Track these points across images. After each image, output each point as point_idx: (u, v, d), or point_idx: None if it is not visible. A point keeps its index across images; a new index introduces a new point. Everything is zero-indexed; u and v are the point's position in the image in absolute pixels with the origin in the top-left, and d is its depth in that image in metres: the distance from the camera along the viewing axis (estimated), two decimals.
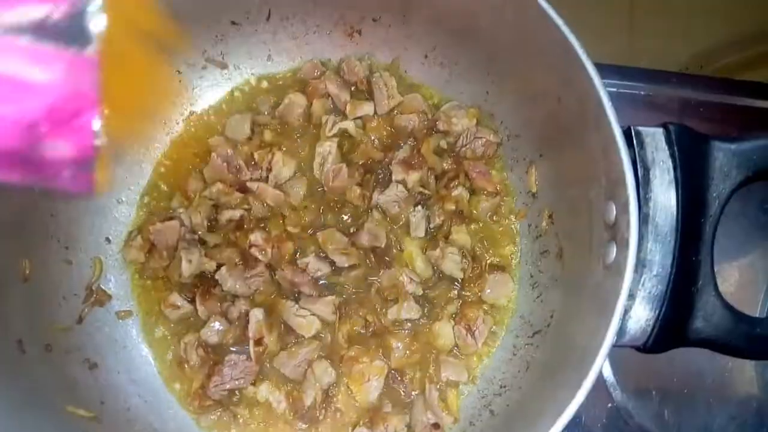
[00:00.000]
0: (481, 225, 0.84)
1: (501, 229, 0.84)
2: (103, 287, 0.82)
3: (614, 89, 0.98)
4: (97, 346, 0.79)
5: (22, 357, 0.68)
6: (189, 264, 0.80)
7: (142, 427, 0.76)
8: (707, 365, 0.88)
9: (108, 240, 0.84)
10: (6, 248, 0.71)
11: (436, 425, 0.74)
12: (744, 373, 0.89)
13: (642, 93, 0.99)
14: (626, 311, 0.57)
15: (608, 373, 0.89)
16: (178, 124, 0.89)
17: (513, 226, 0.84)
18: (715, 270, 0.90)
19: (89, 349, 0.78)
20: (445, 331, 0.80)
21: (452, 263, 0.81)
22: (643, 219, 0.57)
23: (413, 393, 0.79)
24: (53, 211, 0.78)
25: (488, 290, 0.81)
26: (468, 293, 0.82)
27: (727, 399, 0.88)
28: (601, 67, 0.96)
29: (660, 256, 0.57)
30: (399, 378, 0.79)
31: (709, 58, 1.13)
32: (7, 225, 0.71)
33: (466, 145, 0.85)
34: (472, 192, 0.84)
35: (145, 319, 0.82)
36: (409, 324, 0.80)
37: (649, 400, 0.88)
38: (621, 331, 0.57)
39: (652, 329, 0.57)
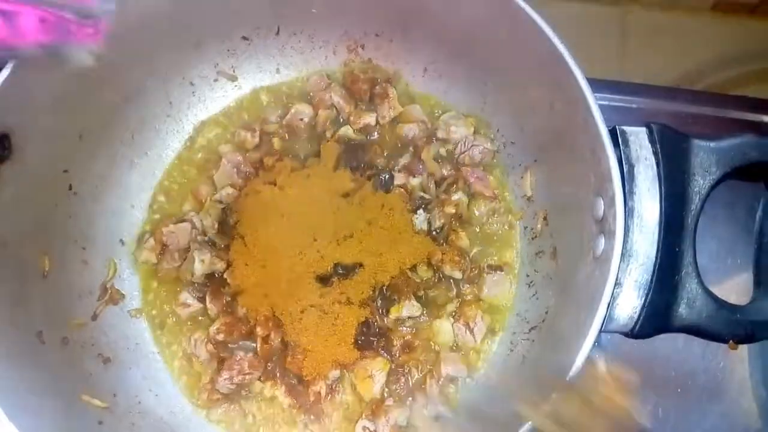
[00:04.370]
0: (479, 228, 0.88)
1: (498, 231, 0.87)
2: (116, 286, 0.85)
3: (606, 102, 1.02)
4: (110, 342, 0.82)
5: (42, 347, 0.72)
6: (201, 264, 0.83)
7: (153, 419, 0.79)
8: (700, 364, 0.91)
9: (122, 242, 0.88)
10: (28, 246, 0.75)
11: (436, 418, 0.77)
12: (735, 372, 0.91)
13: (634, 106, 1.04)
14: (614, 299, 0.61)
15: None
16: (189, 133, 0.93)
17: (510, 229, 0.87)
18: (708, 273, 0.94)
19: (103, 345, 0.81)
20: (444, 329, 0.83)
21: (452, 264, 0.84)
22: (629, 212, 0.61)
23: (415, 388, 0.81)
24: (71, 213, 0.82)
25: (486, 290, 0.85)
26: (467, 293, 0.85)
27: (719, 397, 0.90)
28: (594, 82, 1.01)
29: (645, 246, 0.61)
30: (401, 373, 0.82)
31: (698, 75, 1.17)
32: (29, 224, 0.75)
33: (464, 152, 0.89)
34: (471, 197, 0.88)
35: (155, 318, 0.86)
36: (410, 322, 0.83)
37: (644, 400, 0.90)
38: (609, 317, 0.61)
39: (639, 316, 0.61)
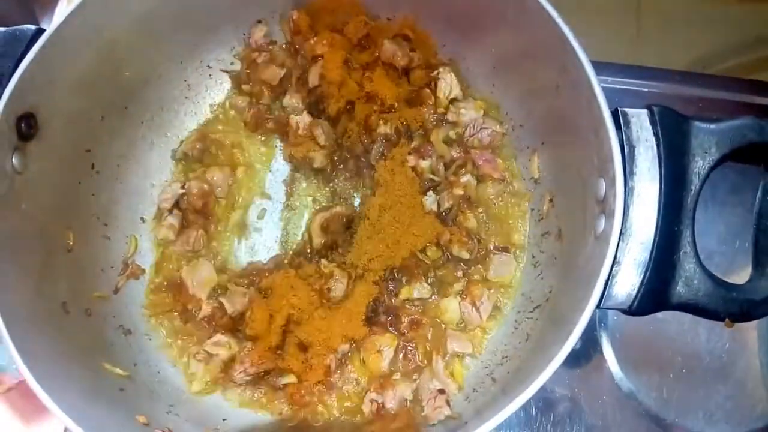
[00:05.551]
0: (487, 209, 0.89)
1: (505, 213, 0.89)
2: (137, 262, 0.89)
3: (617, 86, 1.03)
4: (130, 315, 0.86)
5: (67, 317, 0.75)
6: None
7: (171, 389, 0.83)
8: (705, 346, 0.92)
9: (142, 219, 0.91)
10: (54, 221, 0.78)
11: (441, 391, 0.80)
12: (741, 354, 0.92)
13: (645, 90, 1.04)
14: (613, 276, 0.62)
15: (610, 356, 0.93)
16: (206, 114, 0.96)
17: (517, 210, 0.89)
18: (716, 255, 0.95)
19: (124, 317, 0.85)
20: (451, 307, 0.85)
21: (460, 245, 0.86)
22: (629, 192, 0.63)
23: (421, 363, 0.84)
24: (94, 191, 0.85)
25: (493, 270, 0.87)
26: (474, 272, 0.87)
27: (724, 379, 0.91)
28: (604, 66, 1.02)
29: (644, 226, 0.62)
30: (409, 349, 0.84)
31: (710, 61, 1.17)
32: (55, 201, 0.79)
33: (473, 135, 0.91)
34: (479, 179, 0.90)
35: None
36: (419, 301, 0.86)
37: (649, 380, 0.92)
38: (608, 294, 0.62)
39: (637, 293, 0.62)
